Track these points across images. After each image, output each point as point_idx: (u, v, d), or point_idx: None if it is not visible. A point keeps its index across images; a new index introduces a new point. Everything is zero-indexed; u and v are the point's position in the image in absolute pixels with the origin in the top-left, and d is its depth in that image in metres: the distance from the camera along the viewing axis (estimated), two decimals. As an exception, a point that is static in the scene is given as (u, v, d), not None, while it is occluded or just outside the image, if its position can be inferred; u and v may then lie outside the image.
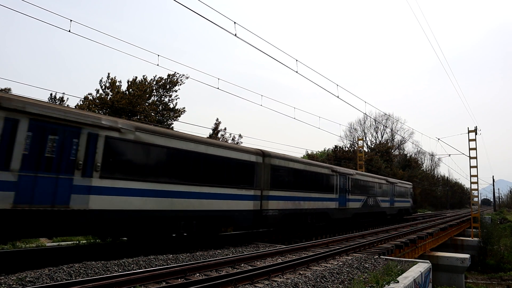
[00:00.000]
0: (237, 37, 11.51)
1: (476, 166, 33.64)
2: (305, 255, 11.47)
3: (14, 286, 7.08)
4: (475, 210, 36.01)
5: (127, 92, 25.32)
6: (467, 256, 22.23)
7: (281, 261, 10.56)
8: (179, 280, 8.00)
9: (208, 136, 27.44)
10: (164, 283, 7.76)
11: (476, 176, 33.97)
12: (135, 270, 8.87)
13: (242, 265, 9.98)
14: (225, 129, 27.50)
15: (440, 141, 35.51)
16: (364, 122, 74.28)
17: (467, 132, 34.04)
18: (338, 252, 12.57)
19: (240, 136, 27.77)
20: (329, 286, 8.26)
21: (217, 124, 27.54)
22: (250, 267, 9.48)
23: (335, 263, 11.05)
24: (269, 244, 14.99)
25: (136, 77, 26.15)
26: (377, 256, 12.70)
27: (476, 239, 33.82)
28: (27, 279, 7.49)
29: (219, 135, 27.47)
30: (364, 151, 48.33)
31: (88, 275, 8.23)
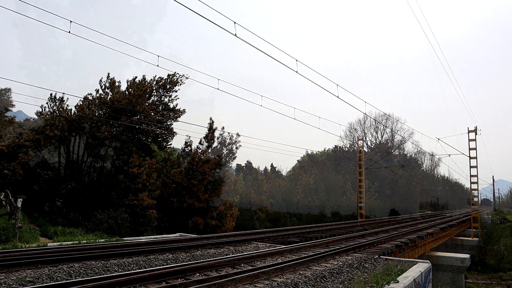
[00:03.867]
0: (237, 37, 11.51)
1: (476, 166, 33.64)
2: (305, 255, 11.46)
3: (14, 286, 7.08)
4: (475, 210, 36.00)
5: (127, 92, 25.33)
6: (467, 256, 22.23)
7: (281, 261, 10.55)
8: (179, 280, 8.00)
9: (204, 135, 27.48)
10: (164, 283, 7.75)
11: (476, 176, 33.98)
12: (135, 270, 8.88)
13: (242, 265, 9.98)
14: (223, 128, 27.50)
15: (440, 141, 35.48)
16: (364, 122, 74.30)
17: (467, 132, 34.03)
18: (338, 252, 12.57)
19: (238, 135, 27.71)
20: (329, 286, 8.26)
21: (211, 124, 27.69)
22: (250, 267, 9.48)
23: (335, 263, 11.05)
24: (269, 244, 14.99)
25: (136, 77, 26.18)
26: (377, 256, 12.70)
27: (476, 239, 33.82)
28: (27, 279, 7.50)
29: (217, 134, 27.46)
30: (364, 151, 48.28)
31: (88, 275, 8.24)
